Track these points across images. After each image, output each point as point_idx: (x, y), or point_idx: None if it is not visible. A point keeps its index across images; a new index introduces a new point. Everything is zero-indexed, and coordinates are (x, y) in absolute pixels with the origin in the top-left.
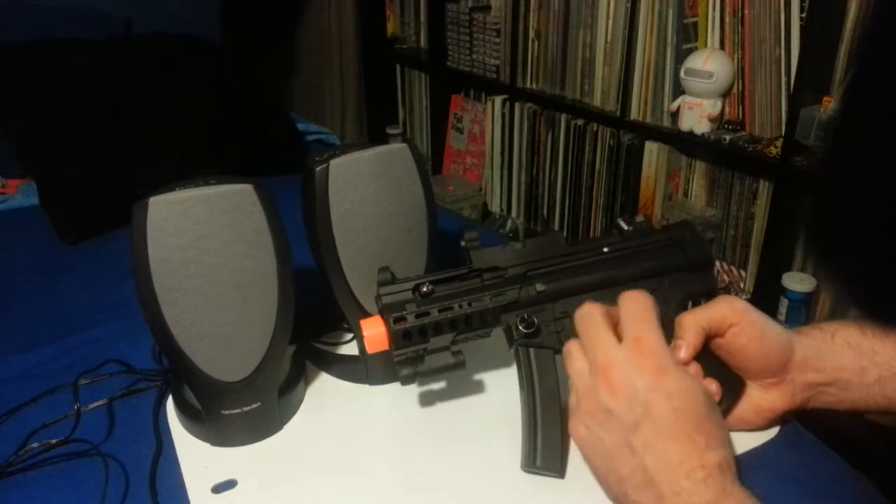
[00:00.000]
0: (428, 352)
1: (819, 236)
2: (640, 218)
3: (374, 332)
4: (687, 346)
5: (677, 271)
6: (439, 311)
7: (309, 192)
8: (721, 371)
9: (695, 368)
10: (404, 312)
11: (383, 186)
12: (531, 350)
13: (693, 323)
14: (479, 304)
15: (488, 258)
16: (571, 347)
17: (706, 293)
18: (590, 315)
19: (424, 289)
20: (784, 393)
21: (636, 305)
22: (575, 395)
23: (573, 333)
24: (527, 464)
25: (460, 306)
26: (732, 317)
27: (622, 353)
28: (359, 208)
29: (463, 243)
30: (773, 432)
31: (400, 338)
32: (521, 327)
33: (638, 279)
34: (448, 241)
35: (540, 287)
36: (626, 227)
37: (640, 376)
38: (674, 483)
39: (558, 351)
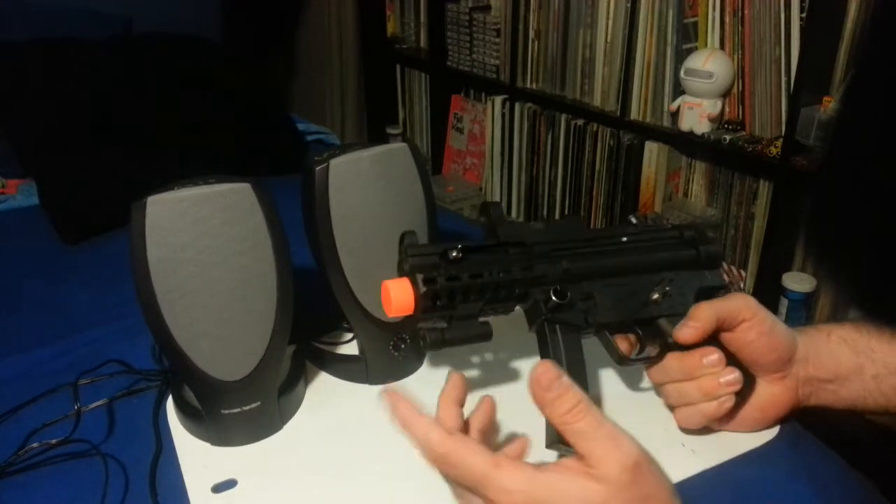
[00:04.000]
0: (456, 319)
1: (818, 236)
2: (651, 215)
3: (400, 292)
4: (695, 329)
5: (691, 266)
6: (470, 277)
7: (309, 192)
8: (734, 365)
9: (718, 355)
10: (435, 274)
11: (383, 186)
12: (558, 327)
13: (710, 310)
14: (509, 274)
15: (513, 234)
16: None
17: (717, 288)
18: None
19: (453, 254)
20: (787, 388)
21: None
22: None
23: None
24: (553, 442)
25: (490, 274)
26: (746, 312)
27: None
28: (359, 208)
29: (483, 219)
30: (773, 432)
31: (429, 299)
32: (554, 297)
33: (660, 268)
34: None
35: (566, 265)
36: (635, 223)
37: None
38: None
39: (585, 329)
